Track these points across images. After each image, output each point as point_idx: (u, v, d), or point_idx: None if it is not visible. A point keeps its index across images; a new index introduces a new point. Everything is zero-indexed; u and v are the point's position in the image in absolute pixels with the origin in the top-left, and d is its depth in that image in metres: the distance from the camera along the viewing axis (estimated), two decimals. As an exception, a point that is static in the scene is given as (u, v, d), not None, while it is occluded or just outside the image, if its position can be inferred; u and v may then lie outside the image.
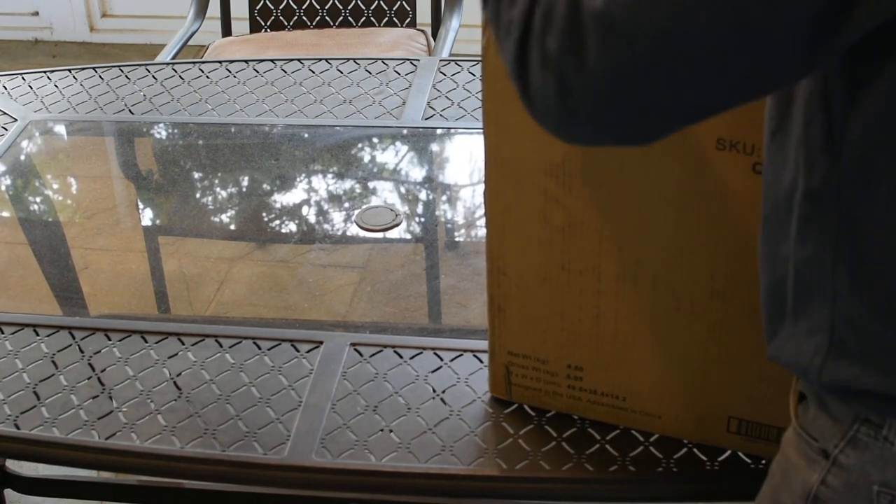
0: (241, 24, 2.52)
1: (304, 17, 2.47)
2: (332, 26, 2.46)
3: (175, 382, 1.19)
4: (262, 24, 2.48)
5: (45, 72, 1.86)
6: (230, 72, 1.83)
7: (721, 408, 1.06)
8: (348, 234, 1.49)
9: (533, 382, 1.12)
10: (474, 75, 1.78)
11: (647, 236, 1.00)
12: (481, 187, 1.56)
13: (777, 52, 0.64)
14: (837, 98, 0.69)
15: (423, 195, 1.59)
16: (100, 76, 1.84)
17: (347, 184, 1.61)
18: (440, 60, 1.83)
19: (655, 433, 1.10)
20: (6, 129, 1.70)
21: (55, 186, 1.67)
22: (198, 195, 1.58)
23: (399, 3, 2.44)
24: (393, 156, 1.68)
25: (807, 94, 0.72)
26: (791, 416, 0.85)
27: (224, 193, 1.60)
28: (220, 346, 1.24)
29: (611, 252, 1.01)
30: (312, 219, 1.54)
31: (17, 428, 1.14)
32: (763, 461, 1.06)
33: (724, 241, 0.97)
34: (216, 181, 1.62)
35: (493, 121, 1.00)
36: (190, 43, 2.35)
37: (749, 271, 0.97)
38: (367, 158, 1.66)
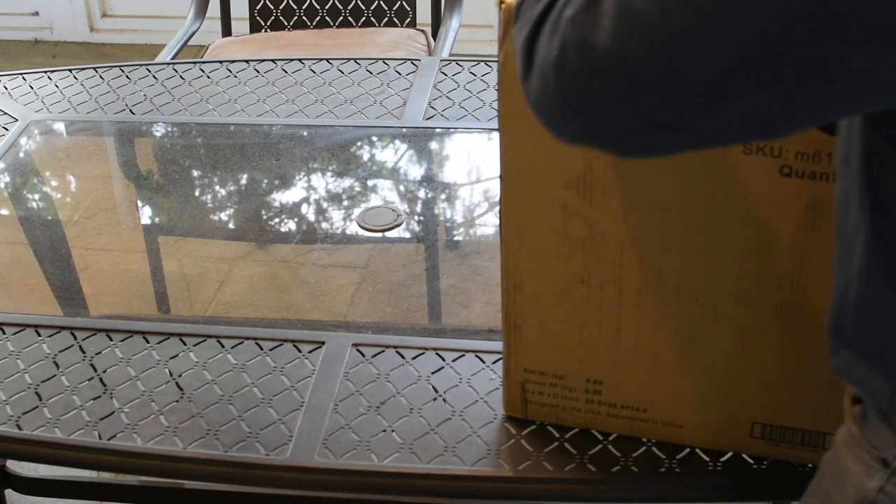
0: (241, 24, 2.52)
1: (304, 17, 2.47)
2: (332, 26, 2.46)
3: (177, 383, 1.19)
4: (262, 24, 2.48)
5: (45, 72, 1.86)
6: (231, 72, 1.83)
7: (745, 413, 1.04)
8: (349, 234, 1.49)
9: (550, 399, 1.10)
10: (475, 75, 1.78)
11: (670, 244, 0.97)
12: (482, 187, 1.56)
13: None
14: None
15: (423, 195, 1.59)
16: (100, 76, 1.84)
17: (348, 184, 1.61)
18: (441, 60, 1.83)
19: (677, 443, 1.08)
20: (7, 129, 1.70)
21: (56, 186, 1.67)
22: (198, 195, 1.58)
23: (399, 3, 2.44)
24: (394, 156, 1.67)
25: (867, 148, 0.70)
26: (847, 418, 0.83)
27: (224, 193, 1.60)
28: (222, 346, 1.24)
29: (632, 263, 0.99)
30: (313, 219, 1.54)
31: (19, 428, 1.14)
32: (765, 461, 1.06)
33: (749, 245, 0.95)
34: (217, 181, 1.61)
35: (511, 135, 0.97)
36: (190, 43, 2.35)
37: (774, 273, 0.95)
38: (367, 158, 1.66)
